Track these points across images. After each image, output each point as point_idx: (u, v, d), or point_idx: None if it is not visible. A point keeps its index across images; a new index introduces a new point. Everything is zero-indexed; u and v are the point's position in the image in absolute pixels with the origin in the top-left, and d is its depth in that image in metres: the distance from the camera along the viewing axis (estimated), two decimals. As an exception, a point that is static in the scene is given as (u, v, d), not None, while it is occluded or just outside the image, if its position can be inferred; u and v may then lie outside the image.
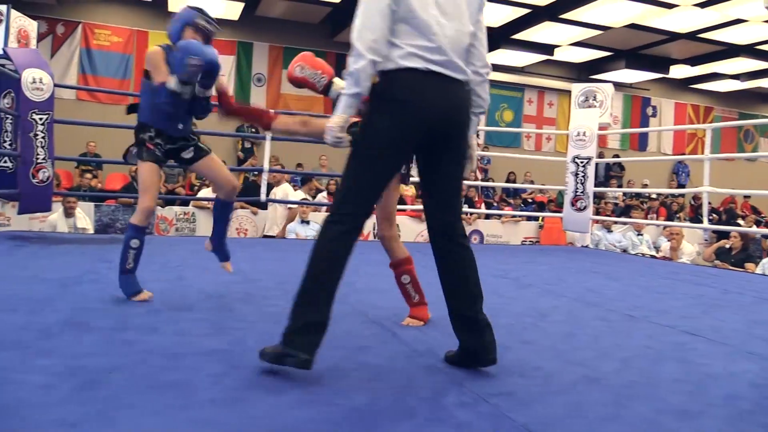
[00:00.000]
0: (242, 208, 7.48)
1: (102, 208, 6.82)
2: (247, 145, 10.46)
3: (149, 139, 2.83)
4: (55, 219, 6.00)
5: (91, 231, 6.25)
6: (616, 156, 12.74)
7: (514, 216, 9.08)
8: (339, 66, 11.89)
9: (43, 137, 4.66)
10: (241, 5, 10.00)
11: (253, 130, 10.25)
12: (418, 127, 1.91)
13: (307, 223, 7.20)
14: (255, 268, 3.92)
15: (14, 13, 4.74)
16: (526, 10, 9.84)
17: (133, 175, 7.68)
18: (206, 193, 7.54)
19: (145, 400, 1.59)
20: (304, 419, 1.53)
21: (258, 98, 11.16)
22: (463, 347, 2.03)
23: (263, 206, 7.25)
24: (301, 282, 1.96)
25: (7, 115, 4.83)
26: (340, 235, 1.96)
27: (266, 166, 5.95)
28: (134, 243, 2.78)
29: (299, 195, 8.13)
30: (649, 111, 14.28)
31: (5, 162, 4.84)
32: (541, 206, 10.41)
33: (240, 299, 2.93)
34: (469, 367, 2.00)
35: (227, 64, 11.16)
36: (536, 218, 9.20)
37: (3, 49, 4.64)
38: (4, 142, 4.86)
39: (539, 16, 9.91)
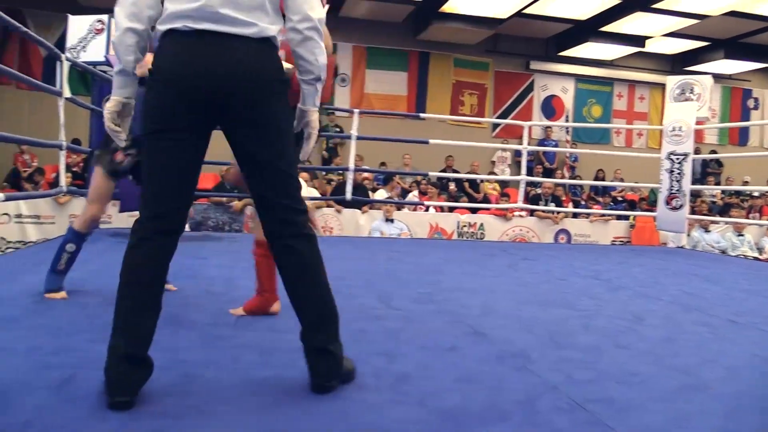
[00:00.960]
0: (328, 206, 7.59)
1: (195, 206, 7.10)
2: (332, 144, 10.61)
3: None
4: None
5: (188, 229, 6.51)
6: (714, 152, 12.06)
7: (603, 215, 8.77)
8: (422, 64, 11.88)
9: (142, 139, 4.90)
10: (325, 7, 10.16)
11: (338, 129, 10.41)
12: (177, 100, 1.58)
13: (392, 221, 7.22)
14: (341, 267, 3.95)
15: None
16: (616, 1, 9.48)
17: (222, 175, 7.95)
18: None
19: (239, 395, 1.62)
20: (395, 419, 1.52)
21: (342, 98, 11.30)
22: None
23: (349, 205, 7.33)
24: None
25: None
26: (137, 243, 1.66)
27: (351, 165, 6.01)
28: (70, 247, 2.77)
29: (382, 194, 8.18)
30: (751, 103, 13.44)
31: (107, 163, 5.12)
32: (632, 205, 10.00)
33: (328, 297, 2.96)
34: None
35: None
36: (627, 217, 8.84)
37: (105, 57, 4.90)
38: (108, 144, 5.15)
39: (630, 6, 9.53)
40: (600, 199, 10.33)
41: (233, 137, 1.67)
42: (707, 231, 7.84)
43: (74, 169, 7.85)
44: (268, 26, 1.63)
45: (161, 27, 1.60)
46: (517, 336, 2.36)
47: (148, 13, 1.60)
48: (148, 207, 1.65)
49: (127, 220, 6.58)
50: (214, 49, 1.57)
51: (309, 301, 1.77)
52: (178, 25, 1.57)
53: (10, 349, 1.90)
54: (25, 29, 3.66)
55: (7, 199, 3.45)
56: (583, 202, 10.34)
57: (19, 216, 6.52)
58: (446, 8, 9.85)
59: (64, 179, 4.08)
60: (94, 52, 4.94)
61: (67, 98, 3.96)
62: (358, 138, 5.92)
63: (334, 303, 1.79)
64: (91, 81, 5.48)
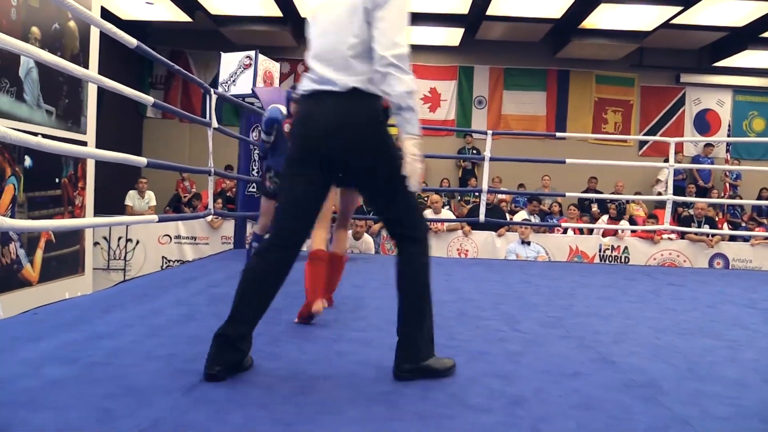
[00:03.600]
0: (462, 228, 7.58)
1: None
2: (468, 166, 10.59)
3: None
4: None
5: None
6: None
7: (766, 238, 7.96)
8: (561, 83, 11.56)
9: (283, 165, 5.20)
10: (461, 31, 10.23)
11: (475, 151, 10.39)
12: (303, 145, 1.99)
13: (528, 243, 7.05)
14: (472, 288, 3.92)
15: (261, 57, 5.39)
16: (779, 4, 8.68)
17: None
18: (428, 214, 7.77)
19: (351, 408, 1.66)
20: (504, 442, 1.48)
21: (479, 120, 11.28)
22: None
23: (483, 227, 7.26)
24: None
25: (255, 147, 5.48)
26: (260, 252, 2.01)
27: (485, 186, 5.96)
28: (255, 246, 3.66)
29: (522, 216, 8.02)
30: None
31: (253, 187, 5.49)
32: (802, 226, 9.00)
33: (454, 317, 2.94)
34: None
35: (449, 88, 11.47)
36: (797, 240, 7.97)
37: (252, 89, 5.28)
38: (253, 170, 5.51)
39: (796, 8, 8.68)
40: (764, 221, 9.40)
41: (348, 174, 2.04)
42: None
43: (228, 194, 8.50)
44: (351, 80, 1.94)
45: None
46: (649, 365, 2.21)
47: None
48: (281, 230, 2.01)
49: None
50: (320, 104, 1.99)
51: (403, 296, 2.02)
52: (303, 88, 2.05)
53: (152, 354, 2.09)
54: (178, 68, 4.03)
55: (161, 220, 3.80)
56: (743, 224, 9.47)
57: (178, 237, 7.17)
58: (586, 24, 9.54)
59: (212, 203, 4.41)
60: (243, 86, 5.35)
61: (215, 128, 4.31)
62: (491, 159, 5.86)
63: (426, 303, 2.00)
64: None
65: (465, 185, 9.97)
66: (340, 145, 1.94)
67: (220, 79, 5.44)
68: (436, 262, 5.08)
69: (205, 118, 4.32)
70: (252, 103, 5.39)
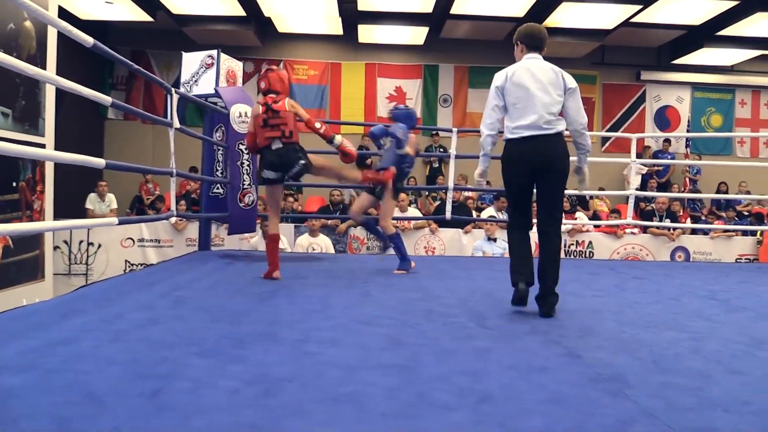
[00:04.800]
0: (429, 226, 7.59)
1: (300, 228, 7.32)
2: (435, 164, 10.62)
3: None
4: (257, 241, 6.56)
5: (289, 250, 6.73)
6: None
7: (726, 230, 8.16)
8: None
9: (248, 165, 5.14)
10: (426, 29, 10.26)
11: (442, 149, 10.42)
12: (520, 167, 3.13)
13: (494, 240, 7.10)
14: (440, 286, 3.92)
15: (223, 56, 5.31)
16: (734, 2, 8.89)
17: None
18: (395, 212, 7.77)
19: (317, 410, 1.63)
20: (473, 440, 1.47)
21: (445, 119, 11.33)
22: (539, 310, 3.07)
23: (449, 224, 7.30)
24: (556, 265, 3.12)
25: (219, 147, 5.40)
26: (512, 234, 3.26)
27: (450, 184, 5.97)
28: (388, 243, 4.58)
29: (490, 213, 8.07)
30: None
31: (218, 188, 5.40)
32: (759, 219, 9.24)
33: (422, 315, 2.93)
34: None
35: (414, 87, 11.49)
36: (754, 233, 8.17)
37: (215, 89, 5.20)
38: (217, 170, 5.43)
39: (750, 7, 8.90)
40: (723, 214, 9.63)
41: (540, 183, 3.12)
42: None
43: (193, 196, 8.37)
44: (558, 127, 3.09)
45: (508, 135, 3.15)
46: (616, 359, 2.22)
47: (498, 126, 3.21)
48: (513, 213, 3.28)
49: (237, 243, 6.92)
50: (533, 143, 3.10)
51: (545, 273, 3.08)
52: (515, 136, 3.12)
53: (113, 360, 2.03)
54: (137, 67, 3.94)
55: (121, 222, 3.71)
56: (703, 218, 9.68)
57: (141, 240, 7.03)
58: (549, 23, 9.65)
59: (174, 205, 4.33)
60: (205, 86, 5.25)
61: (177, 129, 4.23)
62: (457, 157, 5.88)
63: (559, 273, 3.12)
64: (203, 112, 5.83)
65: (433, 183, 9.99)
66: (544, 167, 3.10)
67: (182, 79, 5.35)
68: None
69: (167, 118, 4.24)
70: (215, 103, 5.31)
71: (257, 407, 1.64)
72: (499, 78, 3.15)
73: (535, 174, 3.09)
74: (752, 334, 2.71)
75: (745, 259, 8.06)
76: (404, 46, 11.27)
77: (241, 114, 5.15)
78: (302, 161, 3.91)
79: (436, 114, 11.49)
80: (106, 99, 3.37)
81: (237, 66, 5.58)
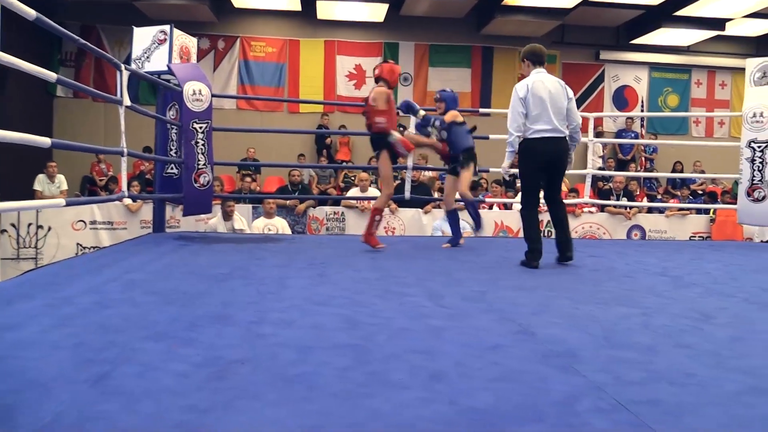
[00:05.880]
0: (389, 206, 7.57)
1: (258, 209, 7.23)
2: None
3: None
4: (215, 222, 6.46)
5: (248, 231, 6.65)
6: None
7: (680, 209, 8.35)
8: (486, 59, 11.70)
9: (203, 144, 5.03)
10: (386, 6, 10.16)
11: (402, 128, 10.38)
12: (540, 160, 4.01)
13: (455, 220, 7.11)
14: (398, 265, 3.91)
15: (176, 31, 5.15)
16: (690, -16, 9.04)
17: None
18: (355, 192, 7.74)
19: (269, 391, 1.61)
20: (423, 418, 1.47)
21: (405, 97, 11.30)
22: (558, 257, 4.10)
23: (409, 204, 7.30)
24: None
25: (172, 126, 5.26)
26: (528, 212, 4.09)
27: (409, 164, 5.96)
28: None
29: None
30: None
31: (172, 168, 5.28)
32: (712, 198, 9.48)
33: (378, 295, 2.92)
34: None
35: (374, 65, 11.42)
36: (707, 211, 8.39)
37: (168, 66, 5.05)
38: (170, 150, 5.30)
39: (706, -12, 9.05)
40: (678, 193, 9.86)
41: (550, 172, 4.05)
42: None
43: (147, 176, 8.19)
44: (564, 130, 4.03)
45: (529, 135, 3.98)
46: (568, 335, 2.25)
47: (523, 129, 3.97)
48: (528, 195, 4.09)
49: (194, 224, 6.80)
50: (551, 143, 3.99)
51: (562, 226, 4.07)
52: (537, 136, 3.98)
53: (59, 345, 1.97)
54: (84, 42, 3.77)
55: (69, 204, 3.59)
56: (659, 197, 9.89)
57: (93, 222, 6.85)
58: (509, 1, 9.66)
59: (126, 185, 4.22)
60: (158, 62, 5.10)
61: (128, 106, 4.10)
62: (417, 136, 5.84)
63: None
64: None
65: (394, 163, 9.96)
66: (556, 162, 4.05)
67: (133, 55, 5.18)
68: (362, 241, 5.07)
69: (117, 96, 4.10)
70: (168, 80, 5.16)
71: (207, 390, 1.61)
72: (521, 90, 3.95)
73: (548, 165, 3.99)
74: (700, 309, 2.78)
75: (699, 236, 8.28)
76: (364, 23, 11.17)
77: (195, 92, 5.03)
78: (377, 152, 4.57)
79: (397, 93, 11.44)
80: (50, 75, 3.23)
81: (191, 42, 5.43)
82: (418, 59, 11.48)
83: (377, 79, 4.62)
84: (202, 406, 1.50)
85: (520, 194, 4.18)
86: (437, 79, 11.39)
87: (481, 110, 9.03)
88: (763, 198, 5.91)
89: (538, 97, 3.93)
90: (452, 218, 5.01)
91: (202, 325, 2.27)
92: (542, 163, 3.99)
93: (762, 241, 6.47)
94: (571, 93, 4.10)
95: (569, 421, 1.46)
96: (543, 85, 3.96)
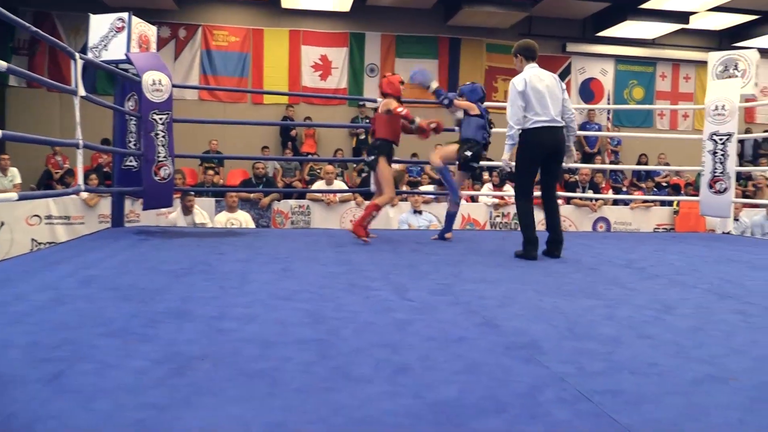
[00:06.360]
0: (355, 199, 7.55)
1: (222, 203, 7.13)
2: (362, 135, 10.55)
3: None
4: (174, 217, 6.34)
5: (210, 225, 6.55)
6: (767, 131, 11.56)
7: (645, 201, 8.49)
8: (453, 51, 11.69)
9: (163, 136, 4.91)
10: (353, -4, 10.09)
11: (368, 121, 10.35)
12: (538, 151, 4.12)
13: (420, 213, 7.12)
14: (364, 259, 3.89)
15: (135, 19, 5.01)
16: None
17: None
18: (321, 185, 7.69)
19: (230, 387, 1.58)
20: (387, 411, 1.45)
21: (372, 89, 11.25)
22: (546, 250, 4.20)
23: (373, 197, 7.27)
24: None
25: (131, 117, 5.14)
26: (526, 203, 4.17)
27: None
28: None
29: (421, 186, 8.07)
30: (807, 79, 12.80)
31: (131, 161, 5.16)
32: (676, 190, 9.66)
33: (343, 289, 2.90)
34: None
35: (340, 56, 11.33)
36: (671, 203, 8.54)
37: (126, 55, 4.92)
38: (129, 142, 5.18)
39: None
40: (643, 185, 10.01)
41: (548, 163, 4.18)
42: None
43: (105, 169, 8.00)
44: (561, 120, 4.16)
45: (529, 126, 4.09)
46: (532, 327, 2.26)
47: (523, 122, 4.08)
48: (525, 186, 4.20)
49: (155, 219, 6.66)
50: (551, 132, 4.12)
51: (555, 225, 4.21)
52: (536, 126, 4.09)
53: (12, 343, 1.90)
54: (36, 29, 3.63)
55: (21, 198, 3.47)
56: (624, 189, 10.04)
57: (49, 217, 6.66)
58: (477, -7, 9.68)
59: (82, 179, 4.10)
60: (115, 51, 4.96)
61: (83, 97, 3.97)
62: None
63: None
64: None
65: (359, 155, 9.93)
66: (555, 152, 4.18)
67: (90, 44, 5.02)
68: (328, 234, 5.05)
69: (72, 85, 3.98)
70: (126, 70, 5.03)
71: (166, 387, 1.57)
72: (519, 84, 4.07)
73: (548, 154, 4.12)
74: (663, 301, 2.81)
75: (663, 228, 8.44)
76: (329, 12, 11.07)
77: (155, 81, 4.91)
78: (370, 157, 4.79)
79: (363, 84, 11.39)
80: (1, 64, 3.11)
81: (151, 30, 5.30)
82: (384, 50, 11.43)
83: (384, 95, 4.92)
84: (161, 403, 1.47)
85: (514, 186, 4.30)
86: (404, 70, 11.33)
87: (394, 104, 9.02)
88: (725, 190, 6.03)
89: (537, 89, 4.06)
90: (445, 176, 4.99)
91: (161, 321, 2.22)
92: (542, 152, 4.11)
93: (724, 233, 6.60)
94: (564, 86, 4.26)
95: (532, 411, 1.46)
96: (539, 78, 4.11)
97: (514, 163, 4.22)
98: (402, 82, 4.97)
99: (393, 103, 4.77)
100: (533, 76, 4.11)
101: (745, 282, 3.44)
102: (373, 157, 4.76)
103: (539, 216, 4.14)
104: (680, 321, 2.44)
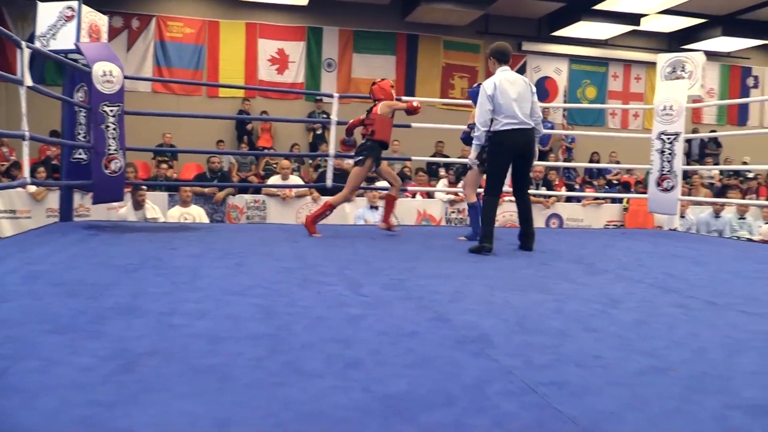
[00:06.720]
0: (311, 194, 7.52)
1: (175, 197, 7.01)
2: (319, 130, 10.51)
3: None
4: (125, 212, 6.21)
5: (162, 220, 6.44)
6: (713, 131, 11.94)
7: (596, 198, 8.69)
8: (410, 47, 11.73)
9: (114, 129, 4.80)
10: (310, -11, 10.02)
11: (325, 115, 10.32)
12: (508, 152, 4.27)
13: (376, 208, 7.14)
14: (318, 254, 3.88)
15: (85, 8, 4.88)
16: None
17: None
18: (276, 180, 7.64)
19: (179, 383, 1.57)
20: (337, 405, 1.46)
21: (329, 84, 11.21)
22: (521, 245, 4.43)
23: (330, 192, 7.26)
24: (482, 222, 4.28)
25: (81, 108, 5.01)
26: (492, 197, 4.30)
27: (331, 151, 5.93)
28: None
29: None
30: (750, 81, 13.29)
31: (80, 154, 5.03)
32: (626, 187, 9.92)
33: (297, 284, 2.89)
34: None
35: (297, 50, 11.25)
36: (621, 200, 8.77)
37: (75, 44, 4.79)
38: (79, 134, 5.04)
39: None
40: (595, 183, 10.25)
41: (519, 162, 4.34)
42: (717, 216, 7.78)
43: (54, 162, 7.78)
44: (530, 122, 4.29)
45: (499, 128, 4.23)
46: (482, 321, 2.30)
47: (490, 124, 4.23)
48: (495, 185, 4.32)
49: (105, 213, 6.51)
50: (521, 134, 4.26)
51: (527, 220, 4.40)
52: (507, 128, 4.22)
53: (-50, 341, 1.84)
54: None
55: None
56: (577, 186, 10.26)
57: (-7, 211, 6.45)
58: (435, -10, 9.73)
59: (28, 171, 3.98)
60: (64, 40, 4.82)
61: (29, 87, 3.86)
62: (339, 123, 5.82)
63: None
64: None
65: (315, 150, 9.89)
66: (524, 152, 4.32)
67: (38, 33, 4.86)
68: (283, 230, 5.02)
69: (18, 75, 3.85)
70: (76, 60, 4.89)
71: (113, 383, 1.55)
72: (489, 88, 4.21)
73: (518, 154, 4.28)
74: (609, 295, 2.89)
75: (613, 225, 8.65)
76: (287, 6, 10.98)
77: (105, 72, 4.79)
78: (359, 157, 4.87)
79: (320, 79, 11.34)
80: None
81: (102, 20, 5.16)
82: (342, 45, 11.40)
83: (375, 100, 5.02)
84: (108, 400, 1.45)
85: (485, 181, 4.46)
86: (362, 66, 11.37)
87: (404, 98, 9.07)
88: (672, 188, 6.22)
89: (506, 93, 4.19)
90: (472, 213, 4.98)
91: (109, 317, 2.18)
92: (512, 153, 4.25)
93: (670, 229, 6.81)
94: (534, 89, 4.39)
95: (479, 404, 1.49)
96: (509, 82, 4.24)
97: (478, 162, 4.45)
98: (392, 86, 5.16)
99: (398, 103, 5.02)
100: (503, 80, 4.23)
101: (689, 277, 3.56)
102: (361, 158, 4.85)
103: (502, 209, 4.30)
104: (625, 314, 2.52)
